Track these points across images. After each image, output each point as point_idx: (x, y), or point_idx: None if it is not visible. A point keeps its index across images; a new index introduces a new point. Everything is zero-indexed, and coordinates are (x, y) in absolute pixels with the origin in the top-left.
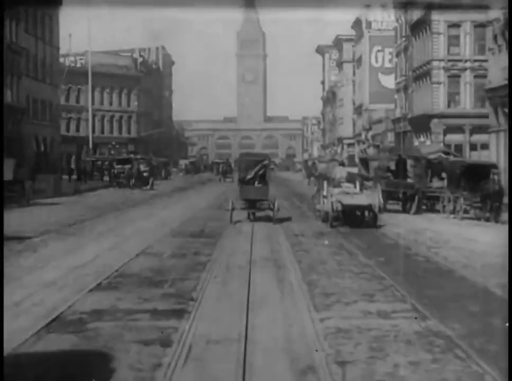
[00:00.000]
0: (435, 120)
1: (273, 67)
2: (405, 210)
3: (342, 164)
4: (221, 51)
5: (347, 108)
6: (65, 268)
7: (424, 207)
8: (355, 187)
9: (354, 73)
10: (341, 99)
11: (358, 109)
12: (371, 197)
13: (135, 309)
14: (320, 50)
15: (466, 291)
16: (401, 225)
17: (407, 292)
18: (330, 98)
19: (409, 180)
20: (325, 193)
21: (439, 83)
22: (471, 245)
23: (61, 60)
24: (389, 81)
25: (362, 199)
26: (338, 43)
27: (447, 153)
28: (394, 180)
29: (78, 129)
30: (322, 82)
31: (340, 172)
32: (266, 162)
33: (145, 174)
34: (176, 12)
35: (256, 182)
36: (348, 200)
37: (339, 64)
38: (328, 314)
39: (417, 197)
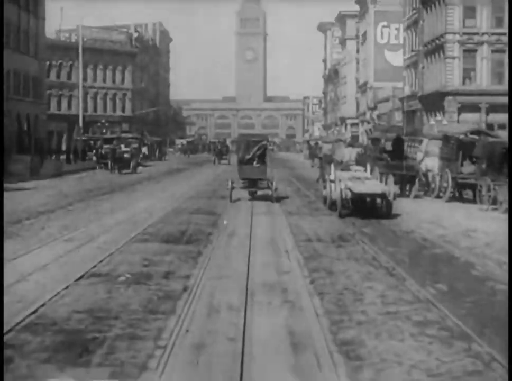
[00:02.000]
0: (449, 98)
1: (273, 46)
2: (403, 195)
3: (351, 144)
4: (220, 29)
5: (350, 87)
6: None
7: (451, 195)
8: (366, 170)
9: (357, 51)
10: (344, 77)
11: (363, 88)
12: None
13: None
14: (322, 27)
15: None
16: (427, 218)
17: None
18: (332, 77)
19: (408, 161)
20: (331, 177)
21: (453, 58)
22: None
23: (53, 35)
24: (395, 58)
25: (374, 185)
26: (341, 19)
27: (479, 133)
28: (392, 161)
29: (69, 107)
30: (324, 61)
31: (349, 154)
32: (264, 142)
33: (125, 155)
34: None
35: (254, 162)
36: (360, 187)
37: (342, 41)
38: None
39: (417, 180)
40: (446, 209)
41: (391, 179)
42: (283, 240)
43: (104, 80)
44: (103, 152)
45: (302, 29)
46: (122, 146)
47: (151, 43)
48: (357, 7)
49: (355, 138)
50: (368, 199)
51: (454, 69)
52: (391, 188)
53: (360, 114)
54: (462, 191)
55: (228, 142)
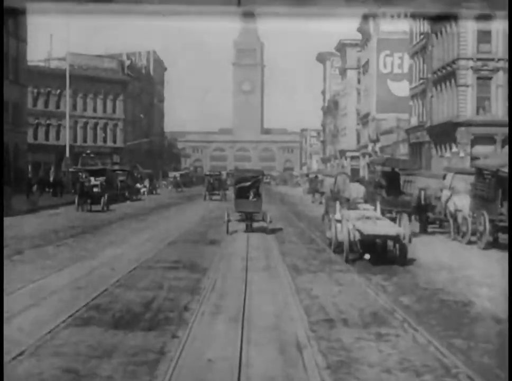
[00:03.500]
0: (461, 129)
1: (271, 77)
2: None
3: (358, 180)
4: (217, 60)
5: (350, 118)
6: None
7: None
8: (375, 209)
9: (358, 81)
10: (344, 108)
11: (364, 119)
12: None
13: None
14: (321, 58)
15: None
16: (475, 275)
17: None
18: (331, 108)
19: (404, 197)
20: (337, 216)
21: (466, 86)
22: None
23: (42, 63)
24: (398, 88)
25: (387, 226)
26: (341, 48)
27: None
28: (388, 197)
29: (58, 138)
30: (323, 92)
31: (356, 190)
32: (260, 177)
33: (95, 190)
34: (169, 21)
35: (250, 196)
36: (371, 229)
37: (342, 71)
38: None
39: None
40: (491, 260)
41: (405, 218)
42: (290, 323)
43: (94, 109)
44: (87, 185)
45: (300, 61)
46: (92, 178)
47: (144, 72)
48: (358, 36)
49: (355, 171)
50: (378, 241)
51: (467, 97)
52: (406, 229)
53: (361, 146)
54: (498, 235)
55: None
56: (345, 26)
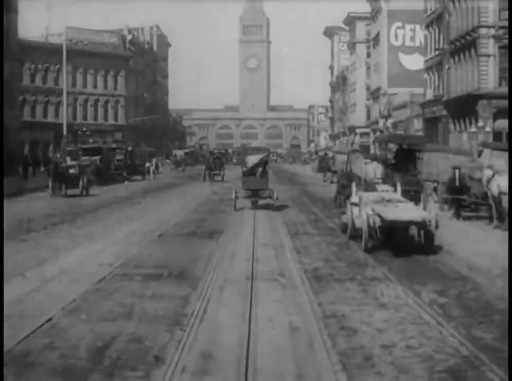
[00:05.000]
0: (483, 102)
1: (277, 54)
2: None
3: (375, 158)
4: (223, 37)
5: (359, 94)
6: None
7: None
8: (395, 190)
9: (368, 55)
10: (353, 83)
11: (375, 94)
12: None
13: None
14: (329, 32)
15: None
16: None
17: None
18: (340, 84)
19: (411, 175)
20: (353, 199)
21: (488, 55)
22: None
23: (42, 38)
24: (410, 62)
25: (411, 211)
26: (350, 21)
27: None
28: (394, 174)
29: (57, 115)
30: (331, 67)
31: (373, 170)
32: (266, 154)
33: (71, 171)
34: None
35: (257, 174)
36: (393, 213)
37: (351, 46)
38: None
39: (422, 196)
40: None
41: (432, 200)
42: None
43: (95, 86)
44: (80, 164)
45: (307, 36)
46: (68, 158)
47: (147, 47)
48: (367, 9)
49: (365, 148)
50: (400, 227)
51: (488, 68)
52: (432, 213)
53: (371, 122)
54: None
55: (229, 153)
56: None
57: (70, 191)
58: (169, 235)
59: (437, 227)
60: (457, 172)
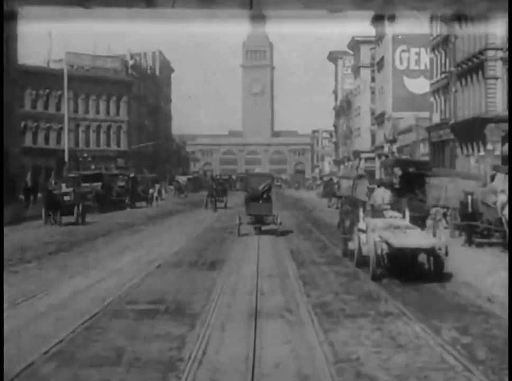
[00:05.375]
0: (491, 125)
1: (281, 79)
2: None
3: (382, 183)
4: (226, 62)
5: (364, 118)
6: None
7: None
8: (404, 216)
9: (372, 79)
10: (358, 108)
11: (379, 119)
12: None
13: None
14: (333, 57)
15: None
16: None
17: None
18: (344, 108)
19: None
20: (360, 225)
21: (495, 78)
22: None
23: (43, 64)
24: (415, 86)
25: (420, 237)
26: (354, 45)
27: None
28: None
29: (58, 142)
30: (335, 92)
31: (381, 195)
32: (269, 181)
33: (66, 198)
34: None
35: (261, 200)
36: (401, 240)
37: (356, 70)
38: None
39: (428, 222)
40: None
41: (441, 226)
42: None
43: (97, 111)
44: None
45: (311, 61)
46: (63, 185)
47: (149, 72)
48: (372, 33)
49: (370, 173)
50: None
51: (496, 91)
52: (442, 239)
53: (376, 147)
54: None
55: (232, 179)
56: (357, 27)
57: (66, 219)
58: (168, 266)
59: (447, 254)
60: (469, 197)
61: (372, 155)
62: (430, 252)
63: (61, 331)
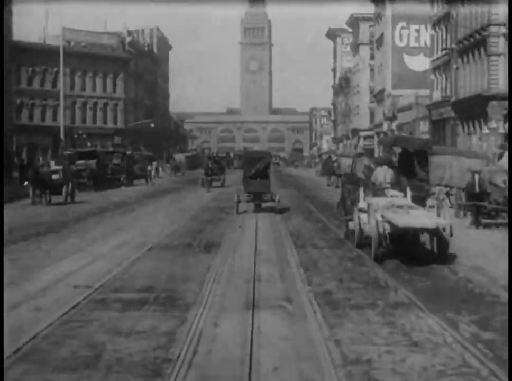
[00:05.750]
0: (493, 103)
1: (279, 56)
2: None
3: (384, 162)
4: (224, 39)
5: (363, 96)
6: None
7: None
8: (405, 195)
9: (372, 57)
10: (357, 85)
11: (378, 96)
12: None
13: None
14: (332, 34)
15: None
16: None
17: None
18: (343, 86)
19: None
20: (361, 205)
21: (498, 55)
22: None
23: (40, 40)
24: (415, 63)
25: (423, 217)
26: (353, 23)
27: None
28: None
29: (54, 119)
30: (334, 70)
31: (382, 174)
32: (268, 159)
33: (54, 177)
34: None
35: (259, 177)
36: (404, 220)
37: (355, 47)
38: None
39: (428, 201)
40: None
41: (446, 206)
42: None
43: (94, 89)
44: (74, 169)
45: (309, 38)
46: (52, 162)
47: (147, 49)
48: (371, 10)
49: (369, 151)
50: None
51: (499, 67)
52: (447, 219)
53: (375, 125)
54: None
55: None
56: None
57: (55, 198)
58: (160, 249)
59: (451, 234)
60: (477, 176)
61: (370, 133)
62: (434, 232)
63: (36, 325)
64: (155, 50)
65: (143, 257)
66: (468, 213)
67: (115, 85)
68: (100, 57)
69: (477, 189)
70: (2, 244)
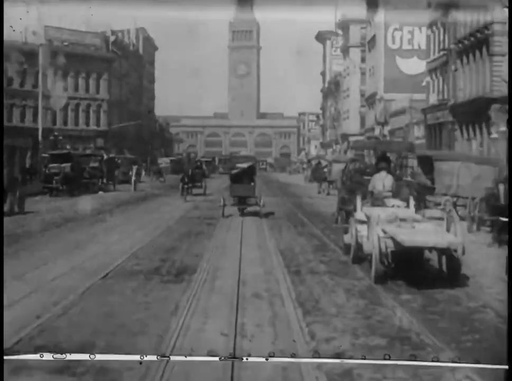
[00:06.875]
0: (496, 106)
1: (267, 60)
2: None
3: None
4: (212, 43)
5: (354, 100)
6: None
7: None
8: (408, 205)
9: (362, 60)
10: (347, 89)
11: (370, 100)
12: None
13: None
14: (321, 37)
15: None
16: None
17: None
18: (332, 90)
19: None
20: (358, 216)
21: (502, 55)
22: None
23: (21, 39)
24: (408, 66)
25: (432, 234)
26: (344, 25)
27: None
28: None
29: (34, 120)
30: (323, 73)
31: (381, 182)
32: (253, 163)
33: None
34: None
35: (244, 182)
36: (411, 237)
37: (345, 50)
38: None
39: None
40: None
41: (457, 220)
42: None
43: (76, 89)
44: (48, 173)
45: (298, 42)
46: None
47: (132, 49)
48: (362, 13)
49: (360, 157)
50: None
51: (502, 69)
52: (459, 237)
53: (366, 129)
54: None
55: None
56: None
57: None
58: (118, 276)
59: (463, 253)
60: (501, 187)
61: (361, 138)
62: (445, 251)
63: None
64: (140, 50)
65: (91, 293)
66: (481, 227)
67: (98, 86)
68: (83, 56)
69: (502, 201)
70: (2, 244)
